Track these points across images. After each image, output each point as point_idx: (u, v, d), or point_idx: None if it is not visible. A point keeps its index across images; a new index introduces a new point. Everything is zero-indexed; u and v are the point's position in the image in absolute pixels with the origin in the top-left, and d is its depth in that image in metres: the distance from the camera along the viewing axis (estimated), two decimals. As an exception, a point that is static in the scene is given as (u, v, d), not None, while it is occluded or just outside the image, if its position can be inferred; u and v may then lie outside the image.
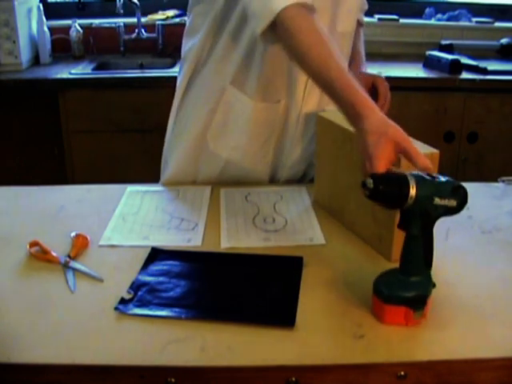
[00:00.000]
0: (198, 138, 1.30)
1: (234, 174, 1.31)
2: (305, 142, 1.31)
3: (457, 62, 2.46)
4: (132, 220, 1.13)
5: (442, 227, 1.01)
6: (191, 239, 1.06)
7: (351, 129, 0.92)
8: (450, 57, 2.50)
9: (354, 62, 1.35)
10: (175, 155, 1.36)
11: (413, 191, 0.77)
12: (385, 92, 1.28)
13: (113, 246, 1.03)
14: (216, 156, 1.30)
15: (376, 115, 0.87)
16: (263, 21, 1.01)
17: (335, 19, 1.19)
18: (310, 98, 1.25)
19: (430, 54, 2.59)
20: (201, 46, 1.24)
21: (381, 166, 0.81)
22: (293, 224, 1.12)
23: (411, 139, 0.89)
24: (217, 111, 1.26)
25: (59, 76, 2.46)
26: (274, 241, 1.05)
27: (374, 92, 1.28)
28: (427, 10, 2.95)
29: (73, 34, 2.76)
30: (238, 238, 1.06)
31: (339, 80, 0.91)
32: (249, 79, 1.23)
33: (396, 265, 0.84)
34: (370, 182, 0.78)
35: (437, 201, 0.78)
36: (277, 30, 1.01)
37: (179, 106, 1.32)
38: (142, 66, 2.80)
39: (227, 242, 1.05)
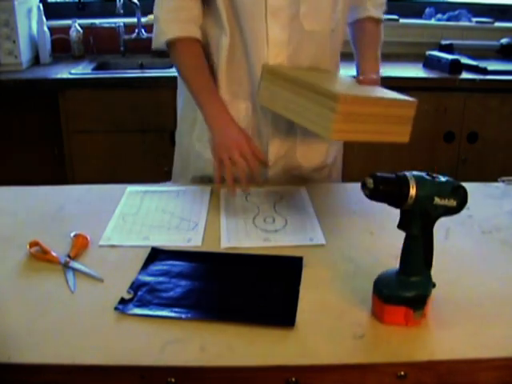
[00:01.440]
0: (186, 138, 1.36)
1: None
2: (281, 137, 1.32)
3: (457, 62, 2.46)
4: (132, 220, 1.13)
5: (442, 227, 1.01)
6: (191, 239, 1.06)
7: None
8: (450, 57, 2.50)
9: (361, 73, 1.35)
10: (175, 156, 1.39)
11: (413, 191, 0.77)
12: None
13: (113, 246, 1.03)
14: (200, 156, 1.33)
15: (219, 131, 1.21)
16: (155, 42, 1.27)
17: (299, 18, 1.21)
18: None
19: (429, 54, 2.59)
20: None
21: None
22: (293, 224, 1.12)
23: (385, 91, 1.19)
24: (198, 111, 1.30)
25: (59, 76, 2.46)
26: (274, 241, 1.05)
27: None
28: (427, 10, 2.96)
29: (73, 34, 2.76)
30: (238, 237, 1.06)
31: (203, 100, 1.24)
32: (218, 78, 1.28)
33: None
34: (370, 182, 0.78)
35: (437, 201, 0.78)
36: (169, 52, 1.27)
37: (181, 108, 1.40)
38: (141, 66, 2.80)
39: (227, 242, 1.05)
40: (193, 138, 1.36)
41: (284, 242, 1.05)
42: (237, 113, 1.28)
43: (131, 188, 1.27)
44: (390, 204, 0.80)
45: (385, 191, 0.77)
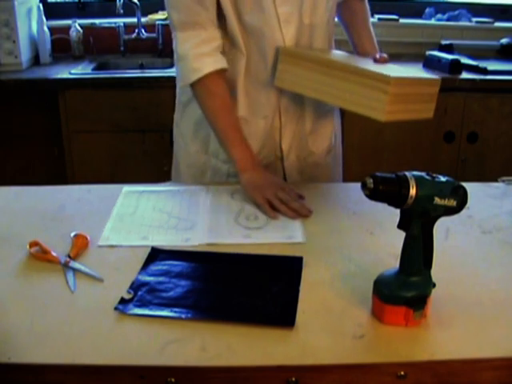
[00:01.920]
0: (201, 155, 1.39)
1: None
2: (292, 129, 1.36)
3: (457, 61, 2.46)
4: (130, 220, 1.13)
5: (442, 227, 1.01)
6: (189, 239, 1.06)
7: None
8: (450, 57, 2.50)
9: (364, 54, 1.38)
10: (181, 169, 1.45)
11: (413, 191, 0.77)
12: None
13: (112, 247, 1.03)
14: (218, 170, 1.36)
15: (247, 174, 1.22)
16: (184, 80, 1.26)
17: (302, 14, 1.24)
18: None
19: (429, 54, 2.59)
20: None
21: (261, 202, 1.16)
22: (275, 222, 1.13)
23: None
24: (210, 130, 1.33)
25: (59, 76, 2.46)
26: (254, 238, 1.06)
27: None
28: (427, 10, 2.95)
29: (73, 34, 2.76)
30: (220, 234, 1.07)
31: (228, 140, 1.26)
32: (236, 97, 1.30)
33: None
34: (369, 182, 0.78)
35: (437, 201, 0.78)
36: (193, 88, 1.27)
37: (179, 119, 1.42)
38: (142, 66, 2.80)
39: (208, 238, 1.06)
40: (209, 155, 1.38)
41: (264, 240, 1.06)
42: (255, 129, 1.32)
43: (127, 188, 1.27)
44: (390, 204, 0.80)
45: (385, 191, 0.78)
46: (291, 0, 1.22)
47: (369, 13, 1.43)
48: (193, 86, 1.26)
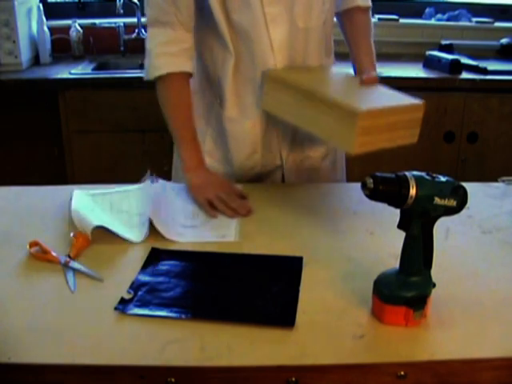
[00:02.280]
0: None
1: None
2: (289, 136, 1.36)
3: (457, 61, 2.46)
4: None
5: (442, 227, 1.01)
6: (129, 237, 1.06)
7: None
8: (450, 57, 2.50)
9: (360, 70, 1.36)
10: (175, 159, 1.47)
11: (413, 191, 0.77)
12: None
13: (111, 245, 1.03)
14: (213, 170, 1.35)
15: (191, 173, 1.26)
16: (147, 75, 1.28)
17: (294, 18, 1.23)
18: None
19: (429, 54, 2.59)
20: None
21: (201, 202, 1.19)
22: (213, 221, 1.14)
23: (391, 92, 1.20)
24: (209, 127, 1.35)
25: (59, 76, 2.46)
26: (187, 236, 1.07)
27: None
28: (427, 10, 2.95)
29: (73, 34, 2.76)
30: (154, 231, 1.07)
31: (179, 139, 1.29)
32: (225, 97, 1.30)
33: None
34: (369, 182, 0.78)
35: (437, 201, 0.78)
36: (156, 84, 1.28)
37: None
38: (142, 66, 2.77)
39: (141, 236, 1.06)
40: (204, 154, 1.36)
41: (196, 238, 1.07)
42: (242, 129, 1.31)
43: (78, 191, 1.23)
44: (390, 204, 0.80)
45: (385, 191, 0.78)
46: (281, 0, 1.20)
47: (371, 26, 1.39)
48: (155, 82, 1.27)
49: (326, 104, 1.10)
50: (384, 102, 1.17)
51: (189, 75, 1.27)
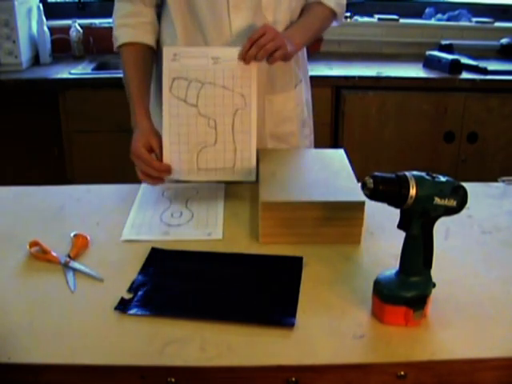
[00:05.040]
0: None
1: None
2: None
3: (457, 61, 2.46)
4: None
5: (442, 227, 1.01)
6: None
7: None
8: (450, 57, 2.50)
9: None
10: None
11: (413, 191, 0.77)
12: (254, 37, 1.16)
13: (111, 245, 1.03)
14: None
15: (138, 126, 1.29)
16: (114, 47, 1.32)
17: (261, 9, 1.24)
18: None
19: (429, 54, 2.59)
20: None
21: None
22: (198, 219, 1.14)
23: None
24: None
25: (59, 76, 2.46)
26: (172, 235, 1.08)
27: None
28: (427, 10, 2.96)
29: (73, 34, 2.76)
30: (139, 231, 1.09)
31: (133, 94, 1.30)
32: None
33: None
34: (369, 182, 0.78)
35: (437, 201, 0.78)
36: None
37: None
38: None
39: (127, 235, 1.07)
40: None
41: (182, 236, 1.07)
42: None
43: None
44: (390, 204, 0.80)
45: (385, 191, 0.78)
46: None
47: (323, 18, 1.34)
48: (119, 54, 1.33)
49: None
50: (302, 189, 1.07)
51: (148, 47, 1.31)
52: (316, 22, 1.34)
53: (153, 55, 1.33)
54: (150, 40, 1.30)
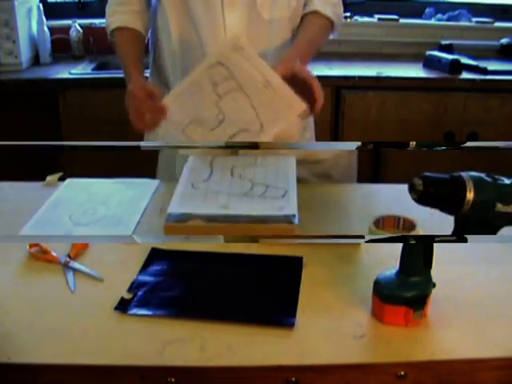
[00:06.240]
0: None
1: None
2: None
3: (457, 62, 2.46)
4: (204, 187, 1.06)
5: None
6: (283, 207, 0.98)
7: None
8: (450, 57, 2.50)
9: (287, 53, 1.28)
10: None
11: (470, 195, 0.68)
12: (319, 92, 1.21)
13: (111, 245, 1.03)
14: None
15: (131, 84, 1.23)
16: (107, 31, 1.36)
17: (256, 7, 1.24)
18: None
19: (429, 54, 2.59)
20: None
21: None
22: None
23: None
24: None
25: (59, 76, 2.46)
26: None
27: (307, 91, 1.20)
28: (427, 10, 2.95)
29: (73, 34, 2.76)
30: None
31: (129, 65, 1.27)
32: (169, 84, 1.35)
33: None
34: (419, 184, 0.70)
35: (499, 207, 0.69)
36: None
37: None
38: (141, 66, 2.79)
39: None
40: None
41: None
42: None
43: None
44: (443, 210, 0.71)
45: (436, 195, 0.69)
46: None
47: (320, 29, 1.33)
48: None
49: None
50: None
51: (139, 33, 1.35)
52: (320, 37, 1.35)
53: (144, 42, 1.36)
54: (140, 27, 1.34)
